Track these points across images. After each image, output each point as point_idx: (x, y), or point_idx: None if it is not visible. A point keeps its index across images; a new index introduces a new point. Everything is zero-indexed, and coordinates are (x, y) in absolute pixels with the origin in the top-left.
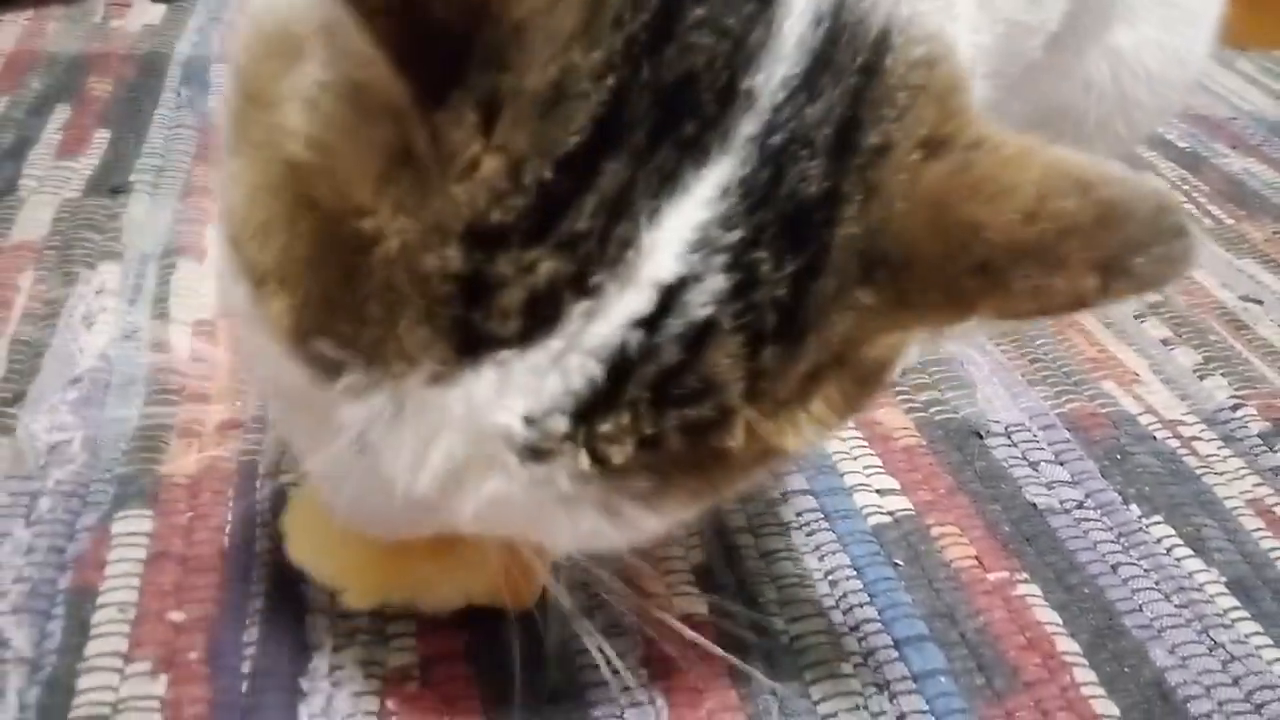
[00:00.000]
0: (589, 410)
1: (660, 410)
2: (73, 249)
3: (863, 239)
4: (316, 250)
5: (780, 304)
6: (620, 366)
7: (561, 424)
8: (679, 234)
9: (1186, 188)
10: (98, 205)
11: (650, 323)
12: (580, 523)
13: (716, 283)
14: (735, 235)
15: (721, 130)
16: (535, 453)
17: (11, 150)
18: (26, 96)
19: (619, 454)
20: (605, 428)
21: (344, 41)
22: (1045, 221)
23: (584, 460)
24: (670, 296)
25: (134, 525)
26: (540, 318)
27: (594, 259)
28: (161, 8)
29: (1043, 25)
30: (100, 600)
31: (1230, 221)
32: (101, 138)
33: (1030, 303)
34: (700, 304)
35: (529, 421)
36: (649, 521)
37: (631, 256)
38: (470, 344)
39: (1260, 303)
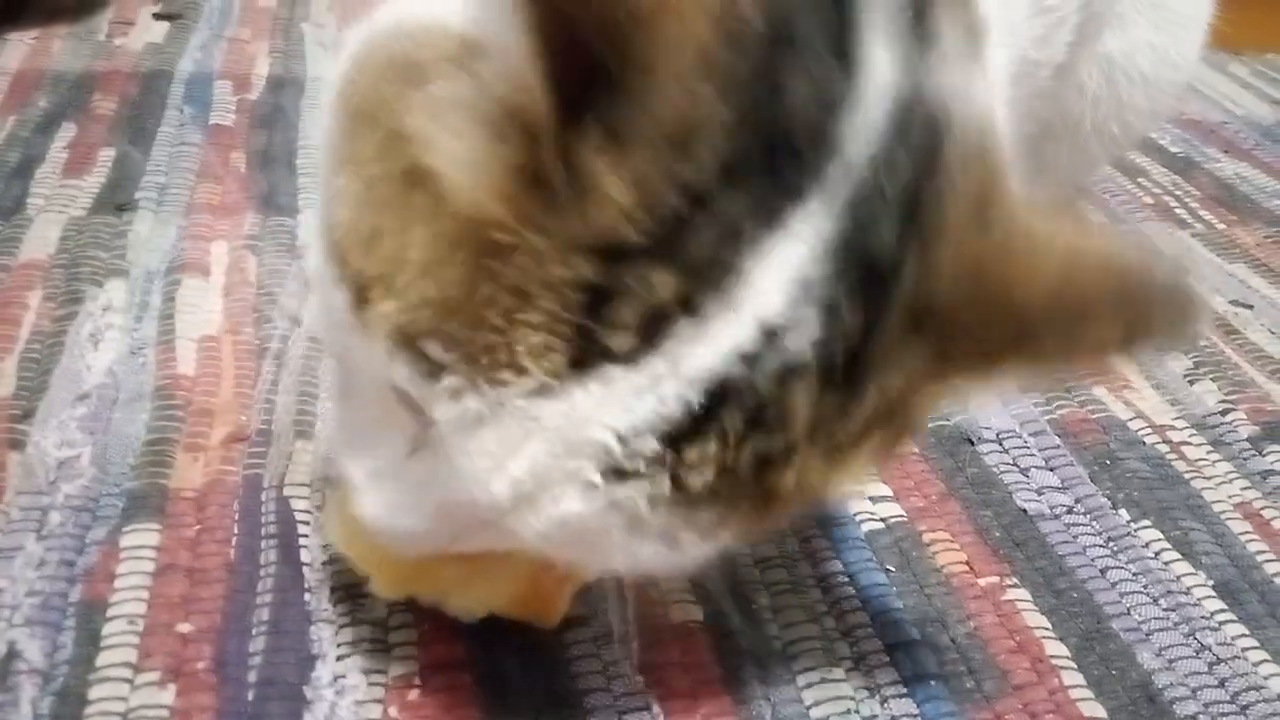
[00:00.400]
0: (680, 435)
1: (743, 442)
2: (80, 267)
3: (918, 300)
4: (435, 256)
5: (850, 350)
6: (717, 395)
7: (651, 445)
8: (784, 271)
9: (1178, 192)
10: (104, 223)
11: (751, 359)
12: (640, 549)
13: (811, 324)
14: (827, 280)
15: (817, 178)
16: (620, 473)
17: (19, 169)
18: (33, 115)
19: (699, 481)
20: (692, 454)
21: (489, 62)
22: (1073, 292)
23: (665, 484)
24: (772, 332)
25: (142, 539)
26: (651, 335)
27: (704, 282)
28: (165, 25)
29: (1051, 59)
30: (110, 612)
31: (1221, 226)
32: (107, 155)
33: (1061, 356)
34: (796, 343)
35: (621, 440)
36: (699, 550)
37: (737, 287)
38: (583, 357)
39: (1250, 308)
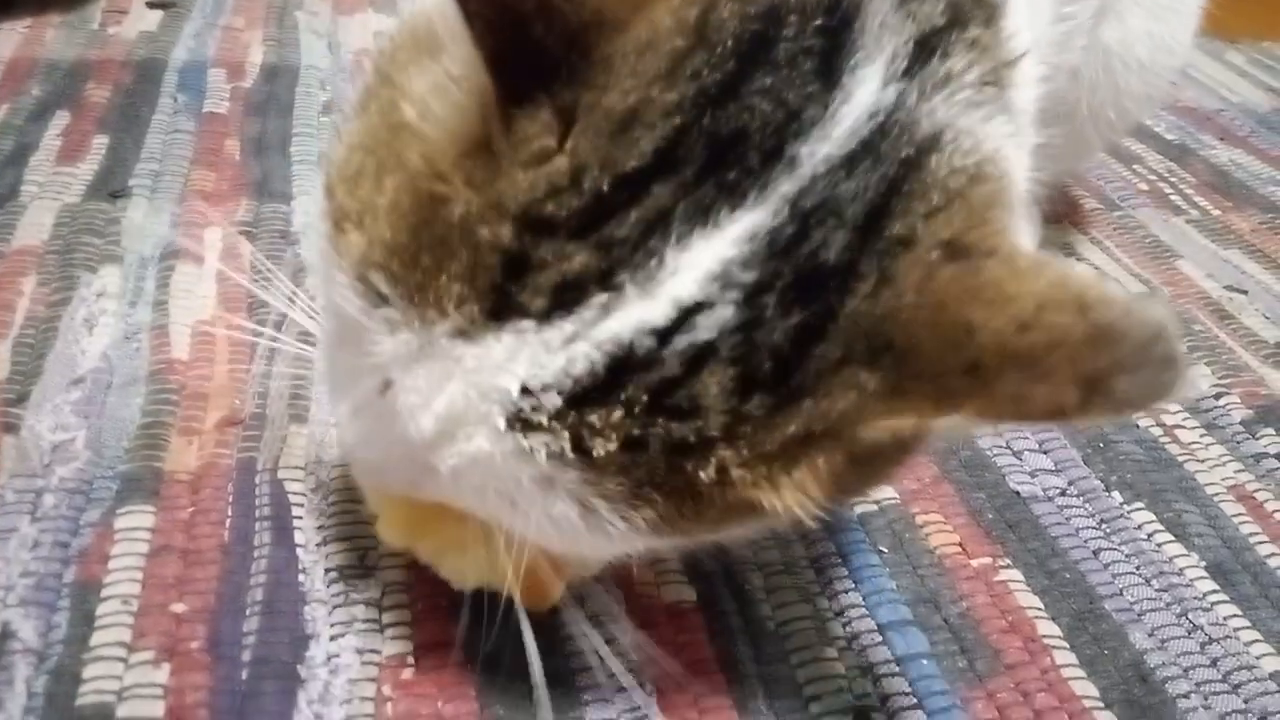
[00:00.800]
0: (583, 397)
1: (648, 417)
2: (73, 253)
3: (870, 321)
4: (394, 201)
5: (777, 353)
6: (623, 365)
7: (554, 402)
8: (704, 262)
9: (1173, 179)
10: (97, 210)
11: (661, 334)
12: (552, 507)
13: (725, 313)
14: (751, 276)
15: (761, 183)
16: (523, 422)
17: (12, 157)
18: (26, 103)
19: (601, 447)
20: (594, 418)
21: (456, 44)
22: (1038, 333)
23: (566, 443)
24: (683, 316)
25: (136, 520)
26: (563, 301)
27: (623, 263)
28: (158, 14)
29: (1067, 63)
30: (104, 593)
31: (1216, 213)
32: (100, 143)
33: (1010, 407)
34: (707, 327)
35: (526, 391)
36: (618, 529)
37: (656, 269)
38: (498, 310)
39: (1245, 292)
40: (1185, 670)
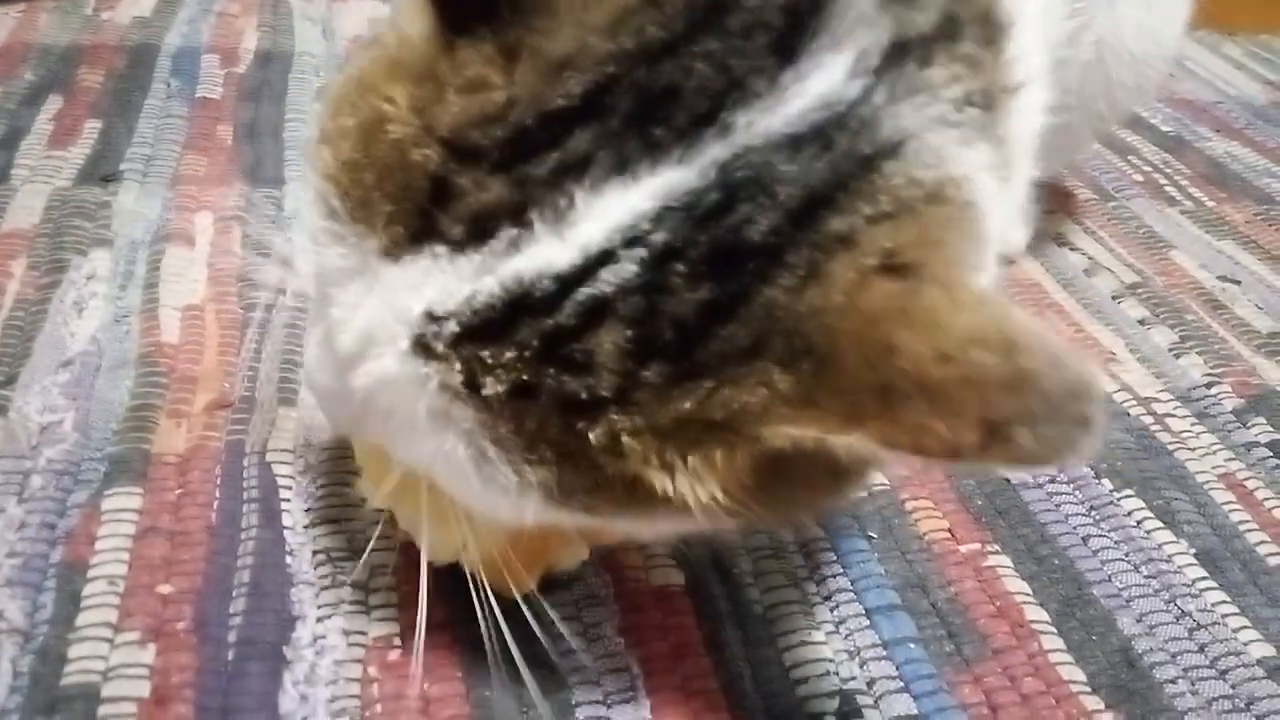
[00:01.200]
0: (480, 332)
1: (540, 365)
2: (64, 237)
3: (793, 316)
4: (356, 123)
5: (680, 325)
6: (521, 305)
7: (453, 330)
8: (615, 212)
9: (1169, 170)
10: (88, 194)
11: (563, 281)
12: (446, 444)
13: (627, 270)
14: (662, 237)
15: (687, 143)
16: (423, 347)
17: (4, 140)
18: (19, 88)
19: (491, 386)
20: (486, 354)
21: None
22: (956, 367)
23: (459, 376)
24: (588, 266)
25: (124, 502)
26: (477, 232)
27: (536, 201)
28: (152, 0)
29: (1078, 58)
30: (91, 574)
31: (1211, 204)
32: (92, 128)
33: (910, 438)
34: (607, 281)
35: (429, 316)
36: (510, 483)
37: (567, 211)
38: (420, 233)
39: (1238, 283)
40: (1173, 656)
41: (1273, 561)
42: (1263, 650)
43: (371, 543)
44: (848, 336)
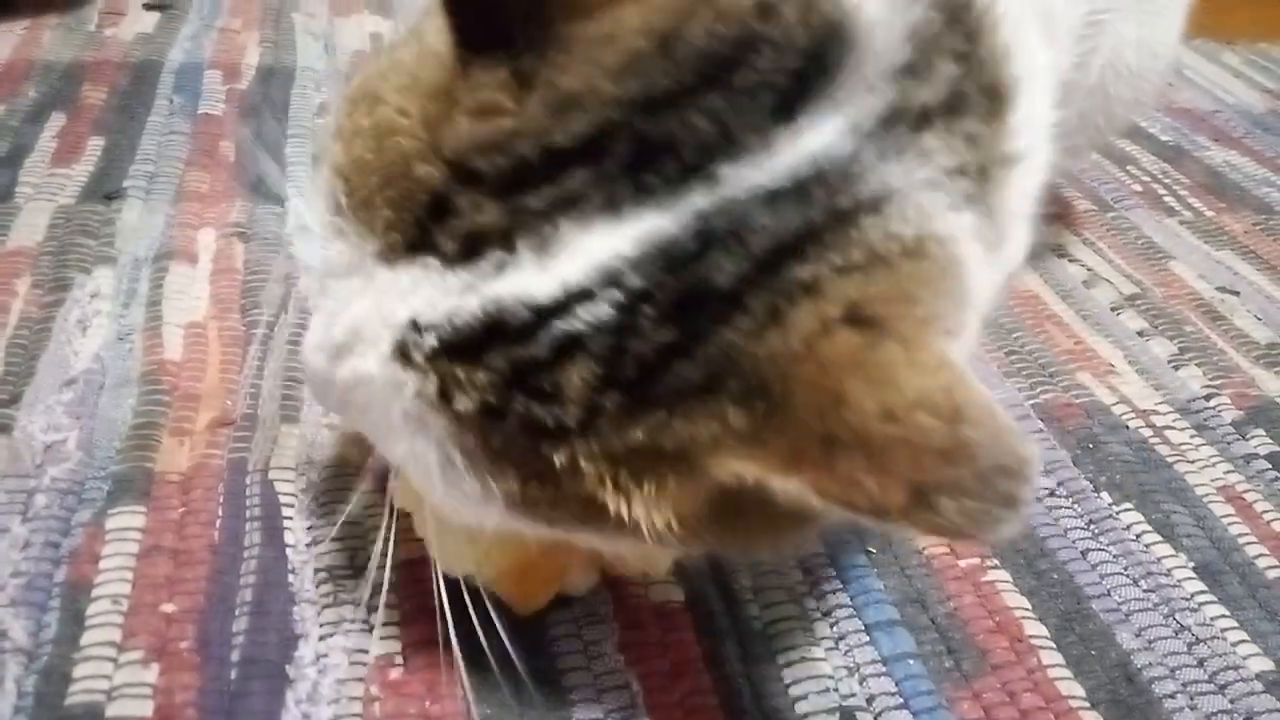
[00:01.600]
0: (457, 348)
1: (509, 390)
2: (68, 254)
3: (750, 358)
4: (370, 126)
5: (643, 363)
6: (498, 329)
7: (432, 343)
8: (598, 252)
9: (1167, 180)
10: (92, 211)
11: (540, 313)
12: (416, 446)
13: (603, 310)
14: (638, 281)
15: (676, 193)
16: (404, 354)
17: (8, 158)
18: (22, 105)
19: (462, 402)
20: (459, 370)
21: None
22: (898, 427)
23: (433, 387)
24: (566, 301)
25: (127, 521)
26: (468, 250)
27: (527, 230)
28: (155, 16)
29: (1084, 81)
30: (95, 593)
31: (1210, 214)
32: (96, 145)
33: (842, 491)
34: (583, 319)
35: (413, 325)
36: (475, 491)
37: (552, 243)
38: (416, 244)
39: (1237, 294)
40: (1172, 670)
41: (1272, 575)
42: (1261, 665)
43: (374, 560)
44: (802, 383)
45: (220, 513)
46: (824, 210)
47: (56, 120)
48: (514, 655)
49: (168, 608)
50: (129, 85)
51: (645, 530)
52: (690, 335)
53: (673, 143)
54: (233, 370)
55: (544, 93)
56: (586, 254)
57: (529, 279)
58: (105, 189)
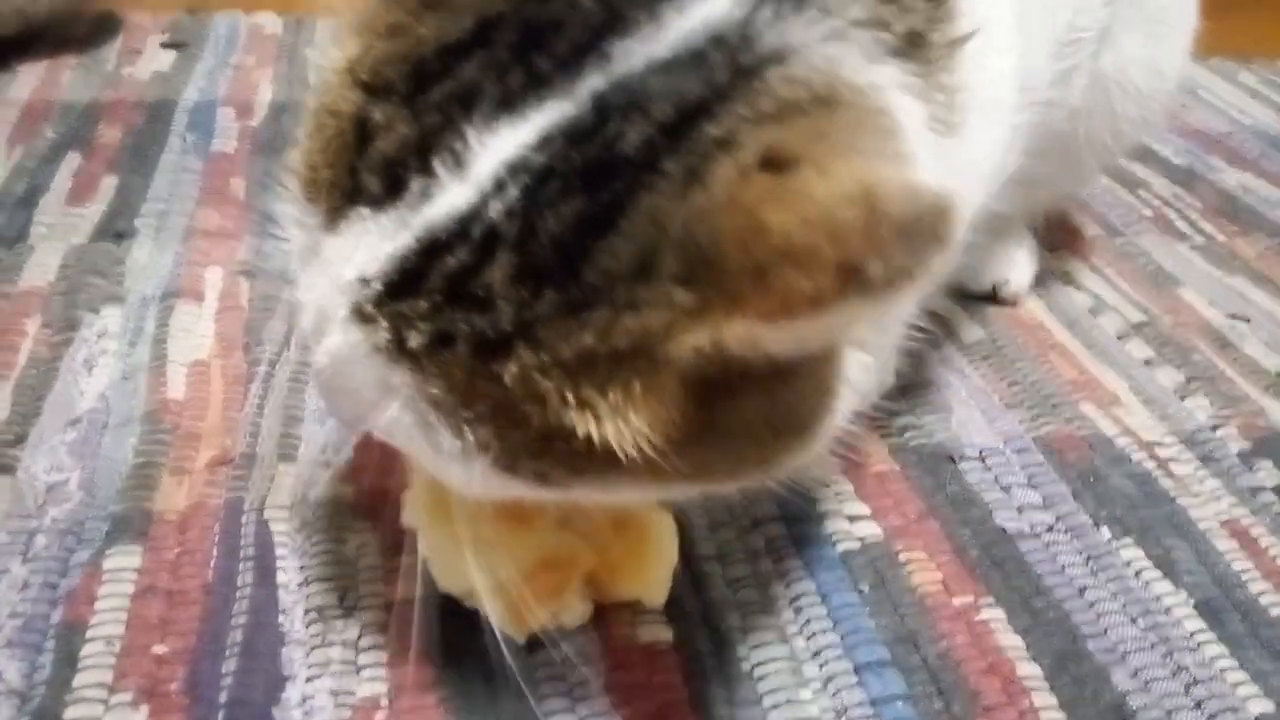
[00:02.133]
0: (400, 287)
1: (450, 309)
2: (78, 294)
3: (680, 223)
4: (311, 109)
5: (559, 243)
6: (432, 252)
7: (377, 290)
8: (505, 147)
9: (1179, 204)
10: (102, 251)
11: (462, 220)
12: (393, 412)
13: (510, 195)
14: (542, 160)
15: (570, 75)
16: (361, 314)
17: (24, 199)
18: (40, 146)
19: (414, 339)
20: (405, 307)
21: None
22: (818, 228)
23: (384, 334)
24: (483, 201)
25: (124, 561)
26: (392, 184)
27: (439, 144)
28: (172, 54)
29: (1066, 100)
30: (89, 634)
31: (1222, 238)
32: (109, 184)
33: (779, 305)
34: (497, 210)
35: (362, 281)
36: (455, 446)
37: (463, 152)
38: (350, 194)
39: (1248, 320)
40: (1168, 713)
41: (1274, 612)
42: (1261, 706)
43: (362, 600)
44: (728, 232)
45: (215, 552)
46: (726, 70)
47: (72, 160)
48: (501, 696)
49: (159, 649)
50: (144, 124)
51: (623, 451)
52: (607, 205)
53: (560, 24)
54: (234, 408)
55: (445, 4)
56: (495, 153)
57: (452, 194)
58: (117, 228)
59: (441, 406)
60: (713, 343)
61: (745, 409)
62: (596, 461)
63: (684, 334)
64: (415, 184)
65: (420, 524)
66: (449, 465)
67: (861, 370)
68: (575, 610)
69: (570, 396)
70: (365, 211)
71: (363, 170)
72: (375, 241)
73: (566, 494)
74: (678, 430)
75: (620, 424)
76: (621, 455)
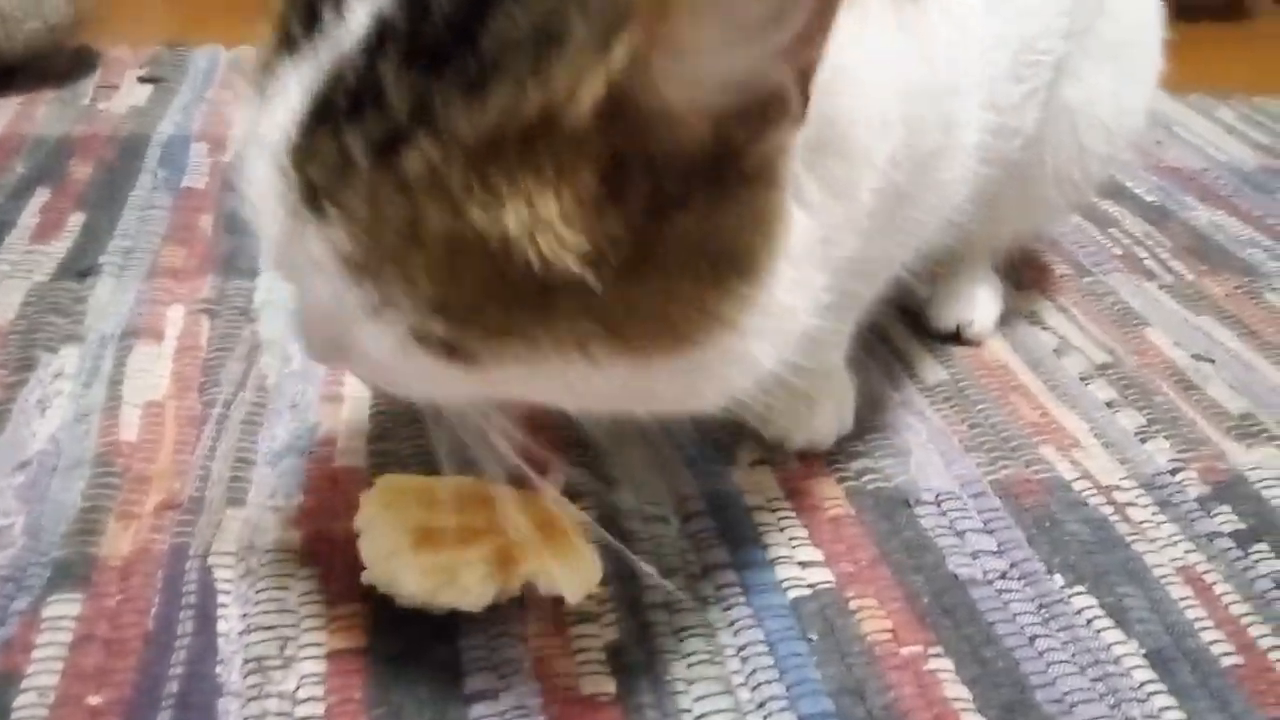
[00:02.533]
0: (309, 128)
1: (348, 123)
2: (36, 333)
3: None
4: None
5: (453, 19)
6: (338, 77)
7: (293, 139)
8: None
9: (1150, 243)
10: (64, 289)
11: (365, 34)
12: (332, 288)
13: None
14: None
15: None
16: (282, 174)
17: None
18: (9, 181)
19: (316, 172)
20: (311, 142)
21: None
22: None
23: (296, 183)
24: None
25: (63, 609)
26: (309, 19)
27: None
28: (149, 88)
29: (1023, 129)
30: (24, 684)
31: (1191, 277)
32: (76, 221)
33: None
34: (383, 2)
35: (286, 145)
36: (378, 304)
37: None
38: (280, 44)
39: (1212, 361)
40: None
41: (1226, 662)
42: None
43: (301, 650)
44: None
45: (157, 600)
46: None
47: (40, 196)
48: None
49: (94, 700)
50: (115, 159)
51: (540, 260)
52: None
53: None
54: (186, 451)
55: None
56: None
57: (356, 13)
58: (80, 266)
59: (359, 261)
60: (611, 86)
61: (679, 231)
62: (516, 309)
63: (585, 87)
64: (327, 11)
65: (364, 529)
66: (377, 336)
67: (798, 289)
68: (475, 591)
69: (476, 185)
70: (288, 62)
71: (290, 18)
72: (295, 95)
73: (483, 380)
74: (607, 242)
75: (531, 216)
76: (538, 264)
